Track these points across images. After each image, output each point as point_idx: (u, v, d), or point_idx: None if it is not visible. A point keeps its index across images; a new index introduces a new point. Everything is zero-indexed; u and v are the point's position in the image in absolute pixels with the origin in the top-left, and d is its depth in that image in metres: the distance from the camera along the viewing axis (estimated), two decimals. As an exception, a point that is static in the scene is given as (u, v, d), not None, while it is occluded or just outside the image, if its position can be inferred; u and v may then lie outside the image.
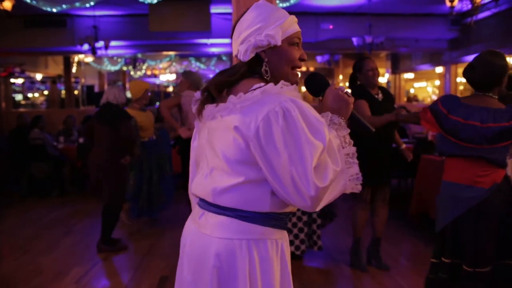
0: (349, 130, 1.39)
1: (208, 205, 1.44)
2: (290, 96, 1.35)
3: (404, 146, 4.18)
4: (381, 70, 18.91)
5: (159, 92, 20.98)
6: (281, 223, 1.44)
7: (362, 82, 3.92)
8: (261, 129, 1.29)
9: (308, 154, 1.26)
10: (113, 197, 4.66)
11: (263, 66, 1.43)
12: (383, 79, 17.37)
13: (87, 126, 4.97)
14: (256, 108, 1.32)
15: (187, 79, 4.96)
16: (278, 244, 1.43)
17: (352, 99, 1.44)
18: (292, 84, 1.42)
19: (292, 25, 1.46)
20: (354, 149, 1.38)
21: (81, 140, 8.03)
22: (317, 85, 1.55)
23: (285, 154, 1.27)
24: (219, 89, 1.43)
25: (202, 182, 1.47)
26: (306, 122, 1.29)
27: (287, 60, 1.44)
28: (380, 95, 3.94)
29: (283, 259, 1.44)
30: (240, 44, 1.44)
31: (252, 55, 1.42)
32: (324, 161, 1.29)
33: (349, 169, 1.35)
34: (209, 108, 1.44)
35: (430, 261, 2.92)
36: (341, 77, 16.24)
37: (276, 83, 1.40)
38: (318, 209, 1.30)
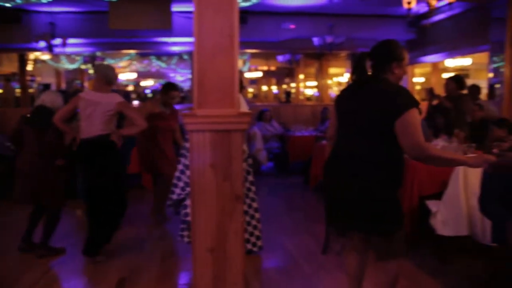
0: None
1: None
2: None
3: None
4: (341, 70, 18.94)
5: (118, 91, 20.54)
6: None
7: (391, 78, 2.70)
8: None
9: None
10: (53, 201, 4.53)
11: None
12: (343, 79, 17.62)
13: (16, 130, 4.62)
14: None
15: (98, 74, 4.37)
16: None
17: None
18: None
19: None
20: None
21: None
22: None
23: None
24: None
25: None
26: None
27: None
28: None
29: None
30: None
31: None
32: None
33: None
34: None
35: None
36: (301, 76, 16.36)
37: None
38: None
